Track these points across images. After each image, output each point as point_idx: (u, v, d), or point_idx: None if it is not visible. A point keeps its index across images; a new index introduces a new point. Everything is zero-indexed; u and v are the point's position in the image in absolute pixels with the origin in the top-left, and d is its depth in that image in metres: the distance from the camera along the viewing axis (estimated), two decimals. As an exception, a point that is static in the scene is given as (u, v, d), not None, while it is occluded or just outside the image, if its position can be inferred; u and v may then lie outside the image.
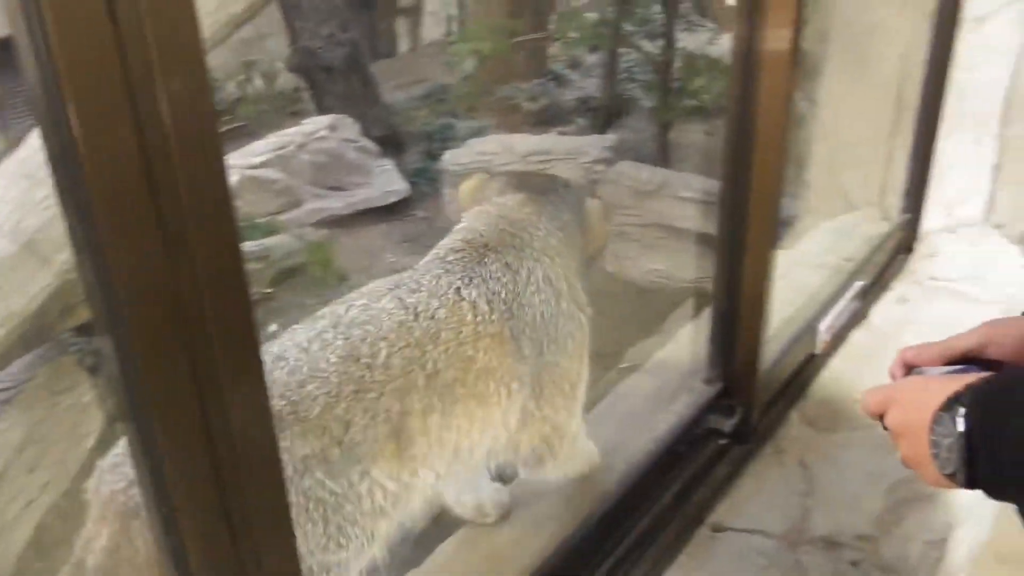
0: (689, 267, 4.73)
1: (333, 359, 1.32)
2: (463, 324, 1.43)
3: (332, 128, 5.91)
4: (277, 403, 1.23)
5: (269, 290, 4.73)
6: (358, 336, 1.35)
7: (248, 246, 4.71)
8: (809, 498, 2.10)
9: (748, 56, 1.92)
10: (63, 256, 2.89)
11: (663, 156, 5.58)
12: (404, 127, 7.01)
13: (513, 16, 7.62)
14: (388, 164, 6.02)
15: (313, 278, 4.96)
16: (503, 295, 1.48)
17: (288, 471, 1.20)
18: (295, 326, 1.42)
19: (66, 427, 3.38)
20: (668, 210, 4.67)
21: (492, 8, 7.77)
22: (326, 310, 1.44)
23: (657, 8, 7.15)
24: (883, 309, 3.05)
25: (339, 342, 1.34)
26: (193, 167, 0.71)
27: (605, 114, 6.86)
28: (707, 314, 2.32)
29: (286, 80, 6.77)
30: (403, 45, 10.17)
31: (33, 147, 3.06)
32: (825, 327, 2.68)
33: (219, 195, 0.74)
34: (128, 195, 0.68)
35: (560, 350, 1.58)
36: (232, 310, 0.79)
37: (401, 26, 10.53)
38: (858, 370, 2.64)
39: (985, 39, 3.08)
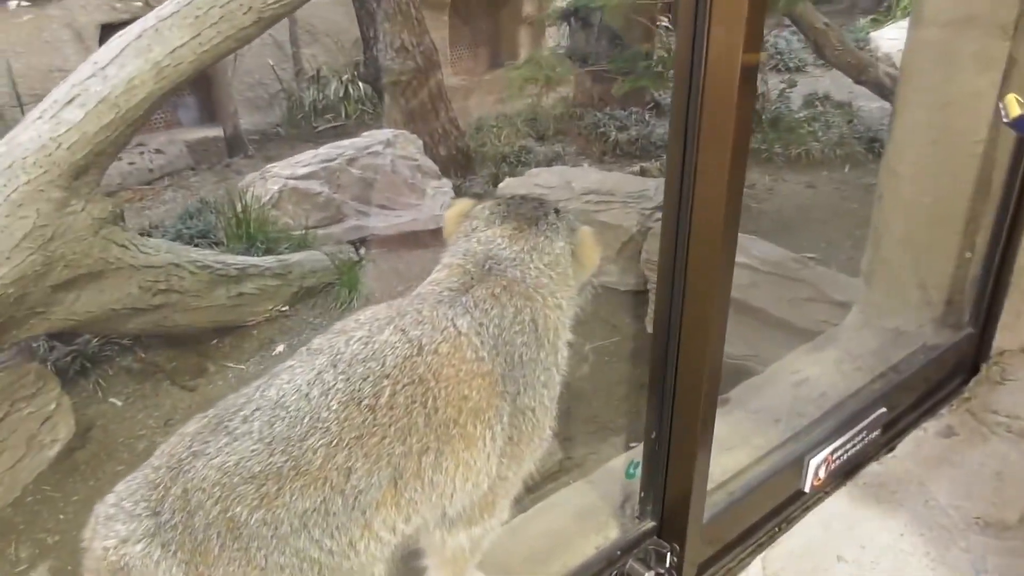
0: (733, 342, 4.21)
1: (334, 405, 1.29)
2: (463, 361, 1.39)
3: (388, 144, 5.71)
4: (279, 459, 1.25)
5: (284, 308, 4.55)
6: (360, 375, 1.32)
7: (268, 261, 4.56)
8: None
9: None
10: (5, 270, 2.76)
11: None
12: (475, 148, 6.76)
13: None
14: (446, 186, 5.77)
15: (337, 299, 4.76)
16: (490, 328, 1.45)
17: (287, 528, 1.24)
18: (292, 362, 1.38)
19: (23, 435, 3.29)
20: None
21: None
22: (323, 342, 1.40)
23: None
24: (918, 441, 2.53)
25: (340, 385, 1.31)
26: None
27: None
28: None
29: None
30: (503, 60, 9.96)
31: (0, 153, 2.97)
32: (819, 460, 2.21)
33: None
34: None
35: (536, 398, 1.51)
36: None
37: (507, 41, 10.33)
38: (859, 517, 2.16)
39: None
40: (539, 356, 1.51)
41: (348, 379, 1.32)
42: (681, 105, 1.45)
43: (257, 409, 1.31)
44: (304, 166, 5.33)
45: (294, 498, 1.25)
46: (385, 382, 1.32)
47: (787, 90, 7.69)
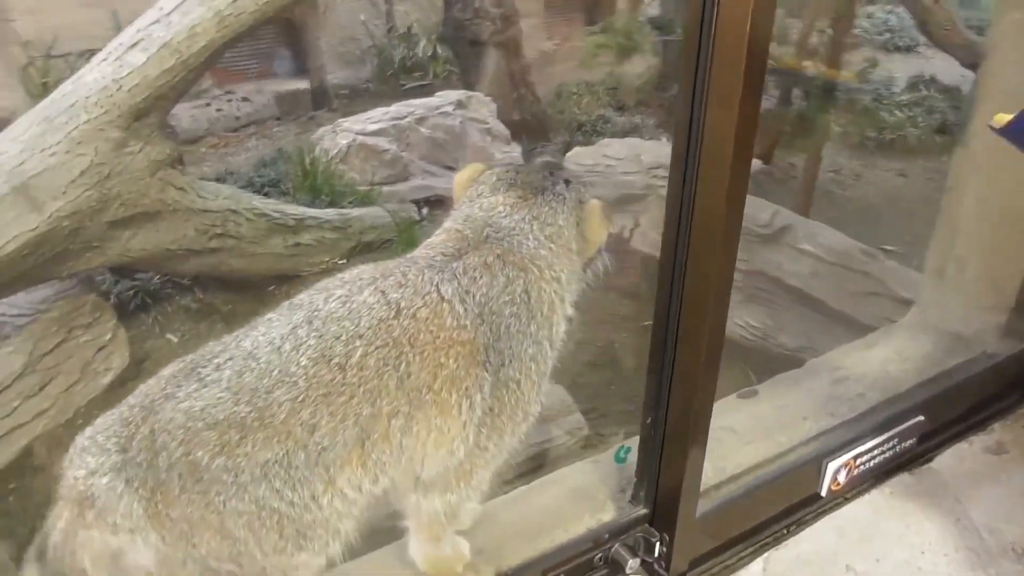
0: (788, 331, 4.05)
1: (304, 361, 1.30)
2: (442, 328, 1.37)
3: (459, 105, 5.68)
4: (243, 409, 1.26)
5: (342, 260, 4.61)
6: (333, 333, 1.32)
7: (329, 213, 4.63)
8: None
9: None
10: (60, 203, 2.87)
11: (806, 198, 4.79)
12: (552, 114, 6.66)
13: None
14: (515, 151, 5.72)
15: (394, 256, 4.78)
16: (476, 296, 1.42)
17: (247, 477, 1.26)
18: (271, 315, 1.39)
19: (78, 361, 3.45)
20: (782, 261, 3.99)
21: None
22: (304, 298, 1.40)
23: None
24: (961, 455, 2.39)
25: (312, 341, 1.31)
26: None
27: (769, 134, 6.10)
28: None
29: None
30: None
31: (62, 91, 3.07)
32: (839, 464, 2.11)
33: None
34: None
35: (522, 370, 1.48)
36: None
37: (605, 5, 10.09)
38: (879, 528, 2.06)
39: None
40: (529, 329, 1.48)
41: (321, 336, 1.31)
42: (690, 66, 1.38)
43: (230, 358, 1.32)
44: (374, 123, 5.37)
45: (256, 448, 1.26)
46: (358, 342, 1.32)
47: (868, 69, 7.26)
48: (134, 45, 3.09)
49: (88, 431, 1.33)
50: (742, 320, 4.13)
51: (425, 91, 8.12)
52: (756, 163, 4.99)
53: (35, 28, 8.20)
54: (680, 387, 1.69)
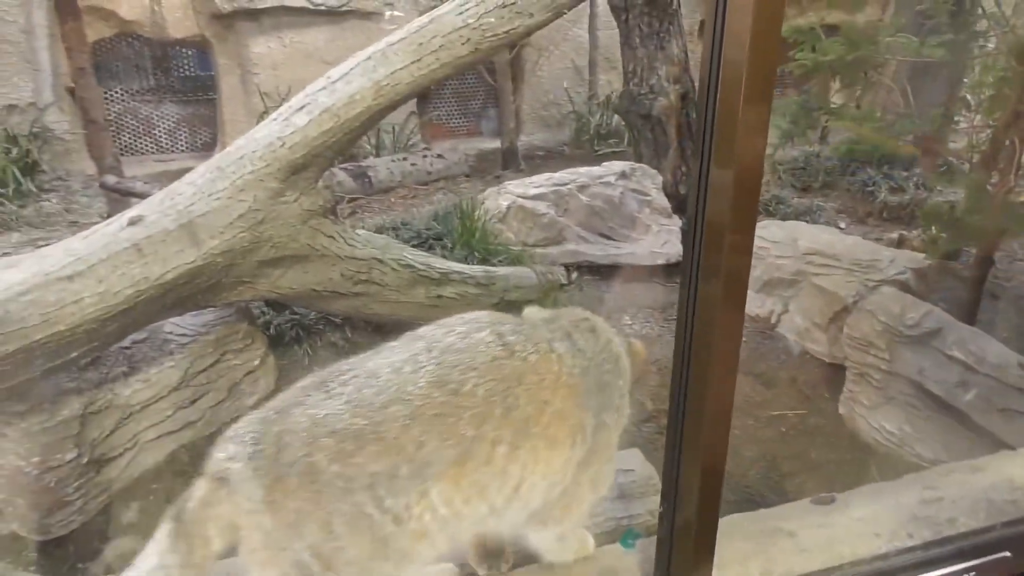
0: (926, 442, 3.71)
1: (421, 383, 1.51)
2: (549, 372, 1.61)
3: (622, 175, 5.76)
4: (360, 421, 1.47)
5: (481, 317, 4.80)
6: (450, 363, 1.54)
7: (475, 270, 4.85)
8: None
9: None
10: (215, 241, 3.29)
11: (972, 304, 4.35)
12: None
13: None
14: (675, 226, 5.70)
15: (534, 318, 4.91)
16: (587, 353, 1.69)
17: (356, 484, 1.45)
18: (395, 343, 1.61)
19: (228, 381, 3.87)
20: (927, 366, 3.67)
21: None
22: (426, 330, 1.63)
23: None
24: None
25: (430, 367, 1.53)
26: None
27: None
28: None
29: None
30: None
31: (236, 144, 3.53)
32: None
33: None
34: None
35: (613, 417, 1.73)
36: None
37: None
38: None
39: None
40: (618, 383, 1.75)
41: (439, 364, 1.53)
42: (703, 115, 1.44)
43: (354, 375, 1.54)
44: (536, 187, 5.58)
45: (367, 460, 1.46)
46: (472, 373, 1.53)
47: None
48: (301, 108, 3.51)
49: (237, 425, 1.57)
50: (877, 423, 3.84)
51: (619, 157, 8.31)
52: (916, 256, 4.65)
53: (274, 81, 9.35)
54: (688, 482, 1.67)
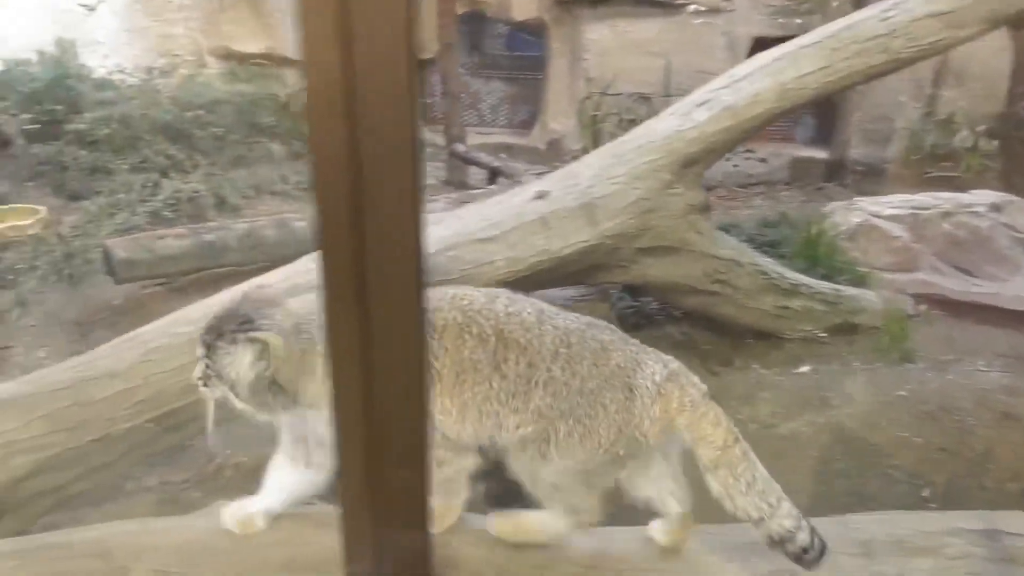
0: None
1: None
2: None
3: (994, 208, 5.22)
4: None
5: (822, 334, 4.61)
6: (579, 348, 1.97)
7: (823, 286, 4.65)
8: None
9: None
10: (610, 224, 3.43)
11: None
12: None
13: None
14: (1050, 270, 5.08)
15: (875, 345, 4.64)
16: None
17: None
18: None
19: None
20: None
21: None
22: (561, 324, 1.97)
23: None
24: None
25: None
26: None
27: None
28: None
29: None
30: None
31: (634, 134, 3.63)
32: None
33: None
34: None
35: None
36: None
37: None
38: None
39: None
40: None
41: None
42: None
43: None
44: (892, 207, 5.24)
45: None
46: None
47: None
48: (701, 104, 3.54)
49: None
50: None
51: (949, 183, 7.59)
52: None
53: (600, 68, 9.60)
54: None
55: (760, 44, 10.29)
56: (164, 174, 7.13)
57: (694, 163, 3.58)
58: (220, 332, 1.88)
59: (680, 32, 9.75)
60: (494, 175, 7.07)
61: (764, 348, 4.67)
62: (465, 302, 1.95)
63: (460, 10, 9.17)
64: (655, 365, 1.97)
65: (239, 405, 1.91)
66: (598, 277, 3.67)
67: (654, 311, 4.60)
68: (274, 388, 1.88)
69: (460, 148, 7.64)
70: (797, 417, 4.14)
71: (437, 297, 1.96)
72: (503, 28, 10.96)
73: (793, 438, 4.00)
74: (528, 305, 1.99)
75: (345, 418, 1.17)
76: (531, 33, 10.63)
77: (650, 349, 2.08)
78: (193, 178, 7.16)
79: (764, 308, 4.33)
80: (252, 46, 9.55)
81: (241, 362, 1.85)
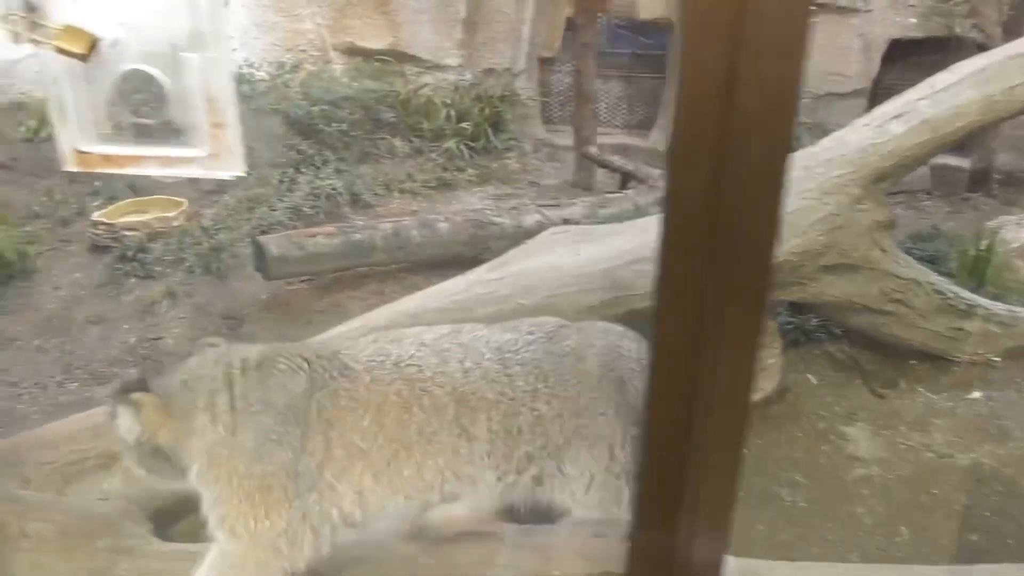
0: None
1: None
2: None
3: None
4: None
5: (995, 358, 4.34)
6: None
7: (999, 307, 4.37)
8: None
9: None
10: (797, 240, 3.28)
11: None
12: None
13: None
14: None
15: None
16: None
17: None
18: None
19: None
20: None
21: None
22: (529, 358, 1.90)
23: None
24: None
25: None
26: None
27: None
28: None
29: None
30: None
31: (822, 145, 3.46)
32: None
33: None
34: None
35: None
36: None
37: None
38: None
39: None
40: None
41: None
42: None
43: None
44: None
45: None
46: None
47: None
48: (897, 116, 3.35)
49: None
50: None
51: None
52: None
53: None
54: None
55: (896, 46, 9.87)
56: (297, 169, 7.25)
57: (884, 178, 3.40)
58: (114, 396, 1.86)
59: (822, 32, 9.39)
60: (626, 179, 6.94)
61: (930, 371, 4.42)
62: (413, 369, 1.81)
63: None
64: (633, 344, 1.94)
65: (135, 471, 1.87)
66: (775, 294, 3.53)
67: (813, 328, 4.42)
68: (159, 454, 1.80)
69: (592, 150, 7.54)
70: (976, 448, 3.91)
71: (377, 364, 1.83)
72: (620, 27, 10.80)
73: (975, 470, 3.77)
74: (485, 348, 1.86)
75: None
76: (654, 33, 10.45)
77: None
78: (323, 173, 7.26)
79: (936, 329, 4.09)
80: (376, 42, 9.64)
81: (122, 426, 1.80)
